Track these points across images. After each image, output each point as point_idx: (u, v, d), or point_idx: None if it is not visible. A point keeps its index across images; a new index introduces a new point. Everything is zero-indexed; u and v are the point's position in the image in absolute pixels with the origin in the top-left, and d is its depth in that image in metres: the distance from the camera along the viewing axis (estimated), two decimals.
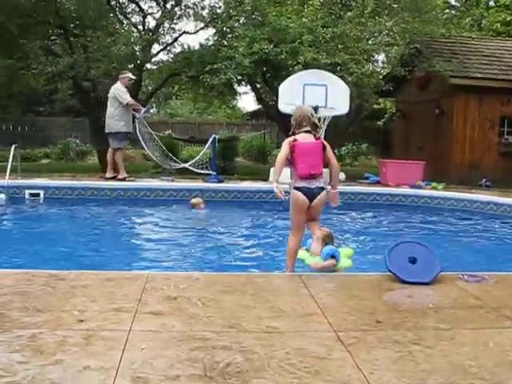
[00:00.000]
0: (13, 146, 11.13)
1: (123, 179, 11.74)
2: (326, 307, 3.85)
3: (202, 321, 3.52)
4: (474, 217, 10.21)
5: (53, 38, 15.94)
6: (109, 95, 11.99)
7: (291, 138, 5.26)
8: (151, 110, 12.01)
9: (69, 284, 4.22)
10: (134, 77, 12.54)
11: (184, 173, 13.02)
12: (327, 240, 5.73)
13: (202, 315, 3.61)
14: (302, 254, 5.69)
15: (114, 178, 11.85)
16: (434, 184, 12.40)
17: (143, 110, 12.29)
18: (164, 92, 21.29)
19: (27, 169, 13.09)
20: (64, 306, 3.69)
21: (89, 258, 6.35)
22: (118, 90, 11.77)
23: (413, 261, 4.73)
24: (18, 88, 17.32)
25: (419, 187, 12.11)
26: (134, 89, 15.59)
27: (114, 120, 11.77)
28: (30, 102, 22.38)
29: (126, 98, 11.72)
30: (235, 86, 16.35)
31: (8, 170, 10.59)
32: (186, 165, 12.55)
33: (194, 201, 10.00)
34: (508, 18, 23.44)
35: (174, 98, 25.78)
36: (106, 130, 12.01)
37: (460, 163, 14.82)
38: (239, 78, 14.25)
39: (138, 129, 12.40)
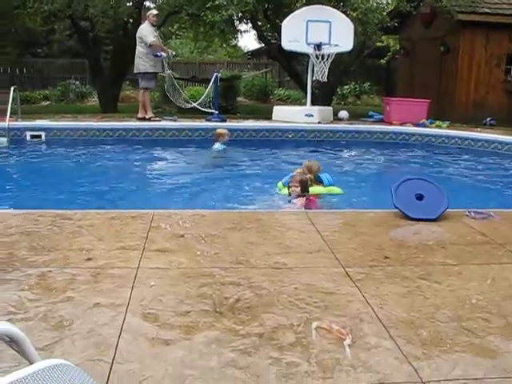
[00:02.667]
0: (12, 88, 10.99)
1: (149, 119, 11.72)
2: (333, 243, 3.85)
3: (209, 257, 3.52)
4: (478, 155, 10.17)
5: None
6: (137, 35, 11.87)
7: None
8: (162, 54, 11.69)
9: (75, 223, 4.21)
10: (156, 12, 12.27)
11: (185, 112, 12.89)
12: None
13: (209, 252, 3.61)
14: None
15: (144, 119, 11.81)
16: (438, 122, 12.27)
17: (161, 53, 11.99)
18: (164, 31, 20.84)
19: (27, 111, 12.95)
20: (71, 245, 3.69)
21: (94, 197, 6.36)
22: (143, 30, 11.67)
23: (419, 197, 4.71)
24: (14, 28, 16.93)
25: (423, 125, 12.00)
26: (133, 28, 15.29)
27: (142, 60, 11.67)
28: (27, 43, 21.94)
29: (149, 39, 11.52)
30: (236, 23, 16.00)
31: (8, 113, 10.48)
32: (195, 104, 12.39)
33: (219, 131, 9.78)
34: None
35: (174, 37, 25.30)
36: (135, 70, 11.98)
37: (465, 102, 14.62)
38: (240, 14, 13.92)
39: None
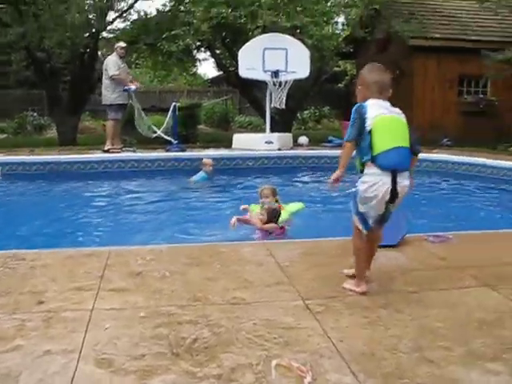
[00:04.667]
0: None
1: (107, 151, 11.62)
2: (292, 275, 3.80)
3: (166, 295, 3.43)
4: (436, 176, 10.32)
5: (1, 6, 15.28)
6: (103, 66, 11.89)
7: None
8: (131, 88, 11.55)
9: (28, 264, 4.07)
10: (123, 44, 12.15)
11: (145, 143, 12.81)
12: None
13: (166, 289, 3.52)
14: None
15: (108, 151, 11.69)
16: None
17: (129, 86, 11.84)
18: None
19: None
20: (23, 288, 3.55)
21: (49, 236, 6.18)
22: (109, 62, 11.68)
23: None
24: None
25: None
26: (89, 58, 15.17)
27: (108, 92, 11.67)
28: None
29: (111, 71, 11.53)
30: (194, 52, 16.07)
31: None
32: (159, 132, 12.27)
33: (205, 160, 9.71)
34: None
35: (133, 66, 25.27)
36: (102, 102, 11.97)
37: (421, 124, 14.83)
38: (198, 43, 13.99)
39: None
